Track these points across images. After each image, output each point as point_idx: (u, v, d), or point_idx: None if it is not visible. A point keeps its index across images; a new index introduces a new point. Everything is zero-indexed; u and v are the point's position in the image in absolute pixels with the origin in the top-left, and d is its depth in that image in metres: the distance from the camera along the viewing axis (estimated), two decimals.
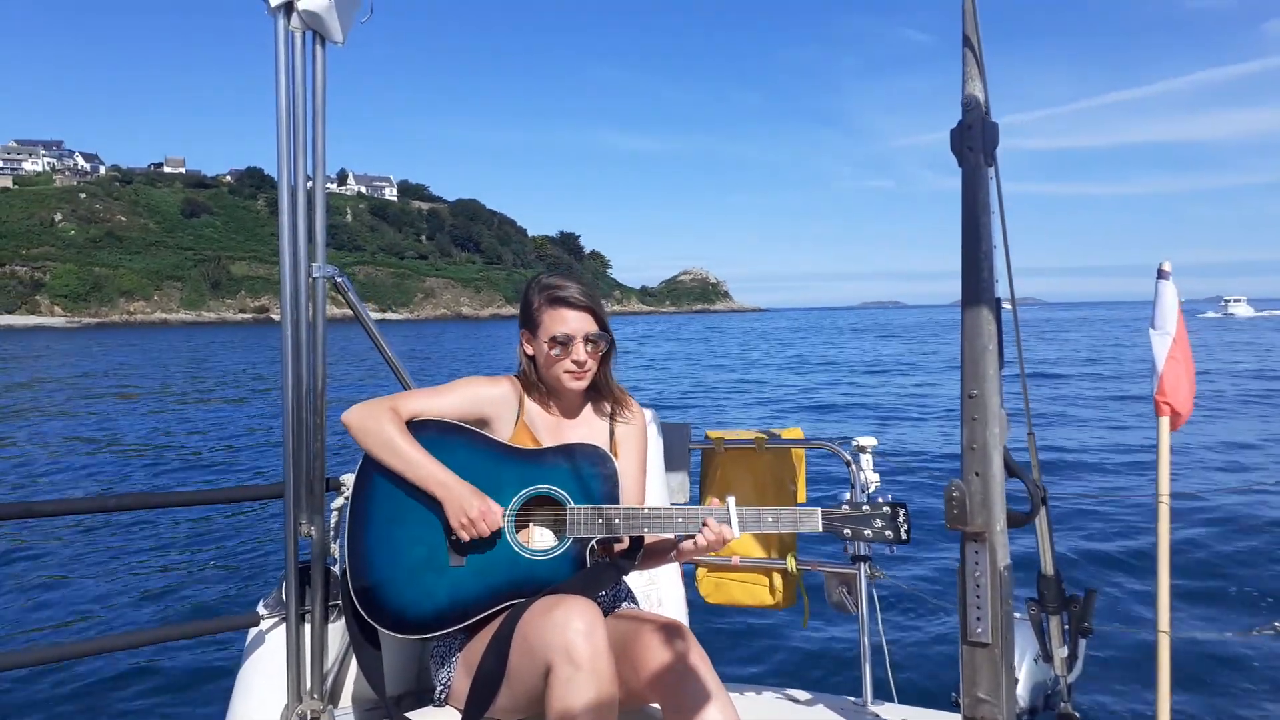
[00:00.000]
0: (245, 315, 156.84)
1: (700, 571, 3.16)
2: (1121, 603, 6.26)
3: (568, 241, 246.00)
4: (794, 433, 3.15)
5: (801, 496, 3.07)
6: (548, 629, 1.94)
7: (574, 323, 2.28)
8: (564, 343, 2.28)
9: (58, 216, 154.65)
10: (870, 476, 2.82)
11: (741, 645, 5.57)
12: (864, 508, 2.17)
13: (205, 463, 14.14)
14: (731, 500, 2.16)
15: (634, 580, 2.63)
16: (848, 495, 2.80)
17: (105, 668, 5.42)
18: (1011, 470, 1.40)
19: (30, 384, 30.74)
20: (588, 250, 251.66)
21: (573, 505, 2.20)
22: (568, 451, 2.27)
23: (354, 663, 2.39)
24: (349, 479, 2.41)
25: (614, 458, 2.31)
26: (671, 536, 2.25)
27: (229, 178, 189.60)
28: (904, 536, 2.15)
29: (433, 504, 2.18)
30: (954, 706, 1.51)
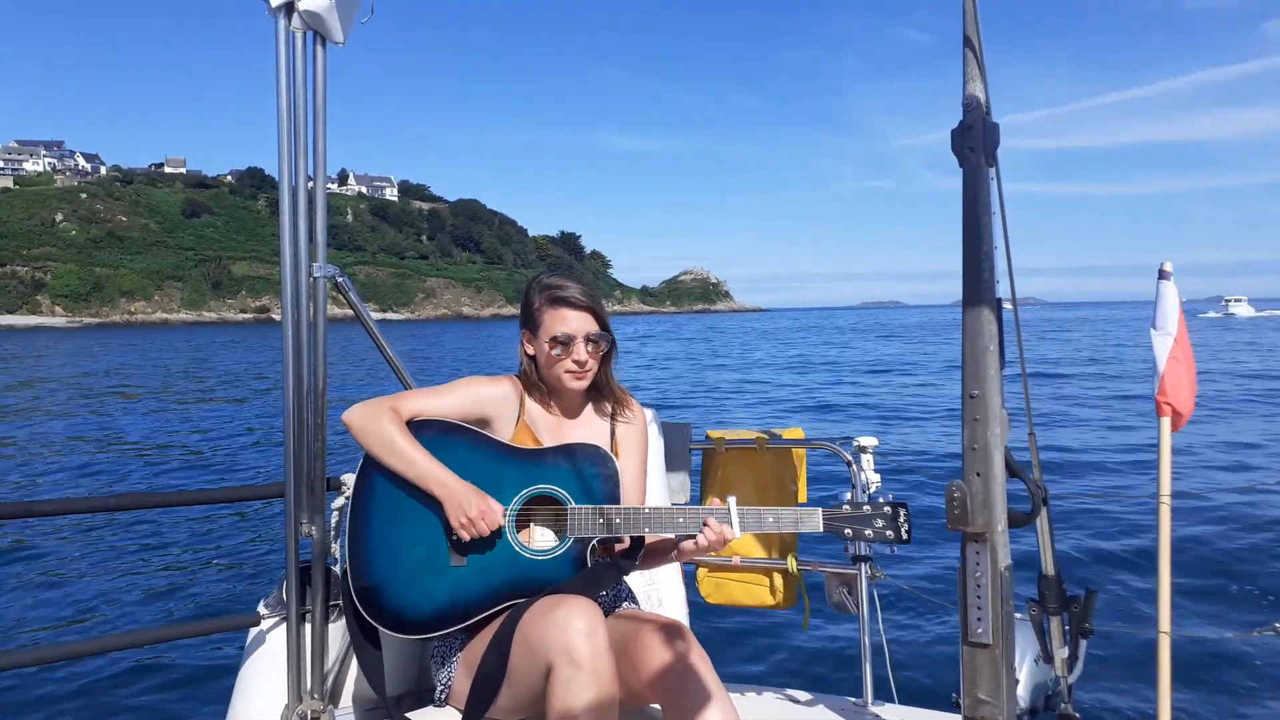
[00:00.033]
0: (246, 315, 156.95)
1: (701, 572, 3.16)
2: (1124, 601, 6.26)
3: (568, 241, 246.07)
4: (795, 433, 3.15)
5: (802, 496, 3.07)
6: (549, 629, 1.94)
7: (575, 323, 2.28)
8: (565, 343, 2.27)
9: (59, 217, 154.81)
10: (871, 476, 2.82)
11: (742, 645, 5.57)
12: (865, 508, 2.17)
13: (206, 462, 14.15)
14: (732, 500, 2.16)
15: (635, 580, 2.63)
16: (849, 495, 2.80)
17: (106, 666, 5.43)
18: (1012, 470, 1.40)
19: (31, 383, 30.77)
20: (588, 250, 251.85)
21: (574, 505, 2.20)
22: (568, 451, 2.27)
23: (354, 662, 2.39)
24: (350, 479, 2.41)
25: (615, 458, 2.31)
26: (672, 536, 2.25)
27: (230, 178, 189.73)
28: (905, 537, 2.15)
29: (433, 504, 2.18)
30: (955, 707, 1.51)
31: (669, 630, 2.09)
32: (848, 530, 2.16)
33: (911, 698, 2.76)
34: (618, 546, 2.31)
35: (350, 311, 2.62)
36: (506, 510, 2.20)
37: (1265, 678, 5.02)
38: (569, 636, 1.90)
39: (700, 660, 2.03)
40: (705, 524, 2.14)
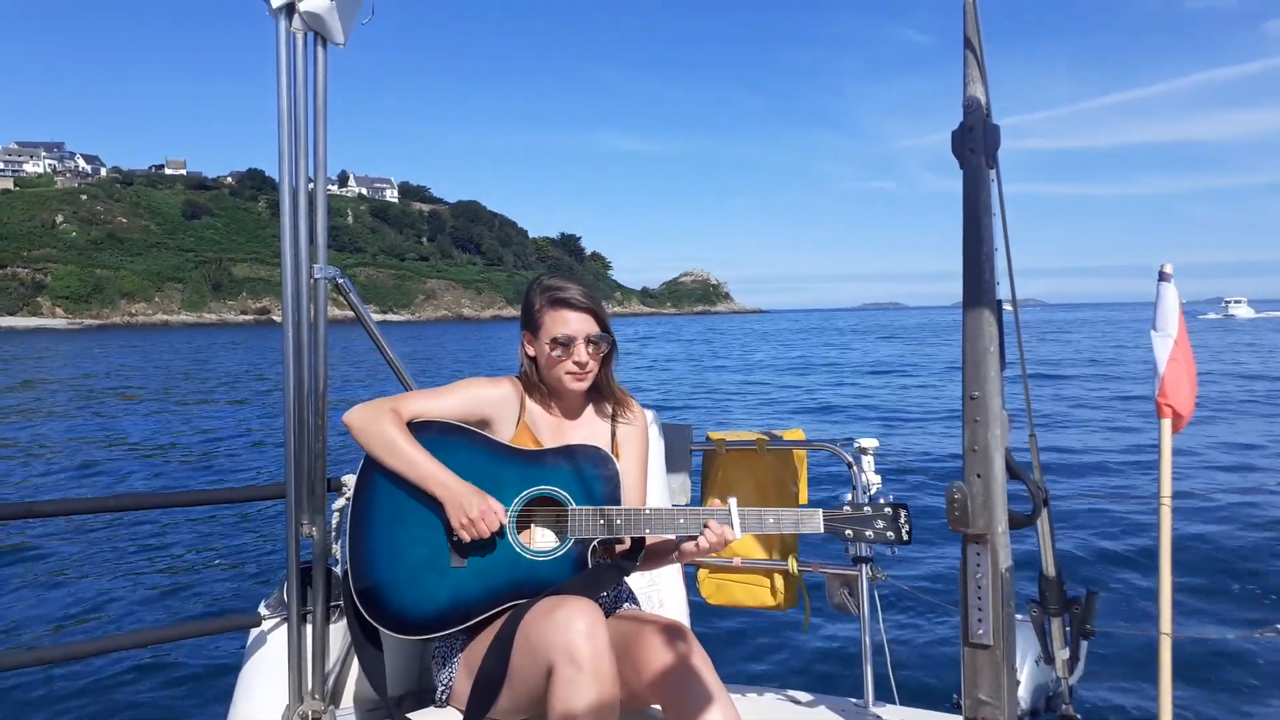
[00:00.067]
0: (247, 317, 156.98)
1: (701, 573, 3.16)
2: (1126, 600, 6.26)
3: (569, 243, 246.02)
4: (795, 434, 3.15)
5: (803, 498, 3.06)
6: (550, 630, 1.94)
7: (575, 324, 2.28)
8: (565, 344, 2.28)
9: (59, 218, 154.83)
10: (872, 477, 2.82)
11: (743, 646, 5.56)
12: (865, 509, 2.17)
13: (206, 463, 14.15)
14: (733, 501, 2.16)
15: (635, 581, 2.63)
16: (849, 496, 2.80)
17: (108, 666, 5.43)
18: (1013, 472, 1.40)
19: (33, 385, 30.78)
20: (589, 252, 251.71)
21: (574, 506, 2.20)
22: (569, 452, 2.27)
23: (355, 663, 2.39)
24: (350, 480, 2.42)
25: (615, 459, 2.31)
26: (673, 537, 2.25)
27: (230, 179, 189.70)
28: (905, 537, 2.15)
29: (434, 505, 2.18)
30: (955, 708, 1.51)
31: (670, 631, 2.09)
32: (848, 531, 2.16)
33: (912, 698, 2.76)
34: (618, 547, 2.31)
35: (351, 313, 2.62)
36: (507, 511, 2.20)
37: (1266, 677, 5.02)
38: (570, 637, 1.90)
39: (701, 661, 2.03)
40: (706, 525, 2.14)
